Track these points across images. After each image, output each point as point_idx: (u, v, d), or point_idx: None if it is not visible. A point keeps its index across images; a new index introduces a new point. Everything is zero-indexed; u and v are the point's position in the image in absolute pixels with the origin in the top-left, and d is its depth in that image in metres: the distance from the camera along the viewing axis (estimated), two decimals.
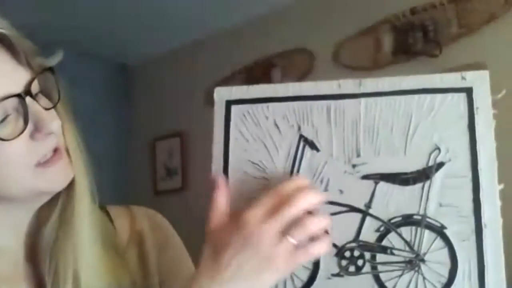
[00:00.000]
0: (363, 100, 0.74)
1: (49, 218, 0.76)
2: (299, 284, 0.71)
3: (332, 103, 0.75)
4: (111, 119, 3.66)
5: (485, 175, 0.68)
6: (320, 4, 2.82)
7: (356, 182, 0.72)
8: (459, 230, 0.67)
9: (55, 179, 0.72)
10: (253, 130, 0.77)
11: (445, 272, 0.67)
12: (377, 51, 2.56)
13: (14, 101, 0.66)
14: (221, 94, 0.79)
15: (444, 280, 0.67)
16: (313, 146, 0.74)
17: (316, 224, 0.65)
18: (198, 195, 2.40)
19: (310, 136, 0.75)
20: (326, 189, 0.72)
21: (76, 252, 0.74)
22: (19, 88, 0.67)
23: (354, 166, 0.72)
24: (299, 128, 0.75)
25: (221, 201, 0.71)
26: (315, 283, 0.70)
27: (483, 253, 0.66)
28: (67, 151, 0.74)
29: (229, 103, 0.79)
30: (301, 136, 0.75)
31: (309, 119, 0.75)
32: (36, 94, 0.70)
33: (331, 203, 0.72)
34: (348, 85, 0.75)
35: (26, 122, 0.67)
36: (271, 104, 0.77)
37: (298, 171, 0.74)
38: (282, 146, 0.75)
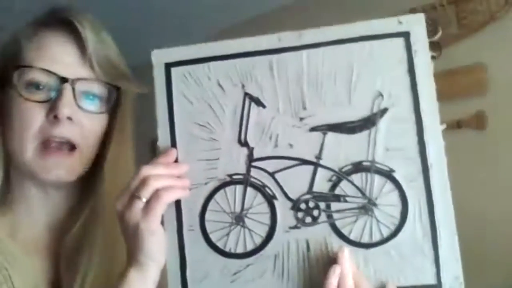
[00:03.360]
0: (304, 52, 0.73)
1: (76, 221, 0.83)
2: (258, 240, 0.72)
3: (274, 57, 0.74)
4: None
5: (427, 117, 0.70)
6: (319, 3, 2.81)
7: (304, 134, 0.72)
8: (407, 172, 0.70)
9: (51, 168, 0.78)
10: (196, 91, 0.75)
11: (397, 213, 0.69)
12: None
13: (55, 81, 0.77)
14: (159, 56, 0.76)
15: (396, 221, 0.69)
16: (259, 103, 0.74)
17: (159, 180, 0.68)
18: None
19: (255, 93, 0.74)
20: (276, 145, 0.72)
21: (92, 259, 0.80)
22: (69, 74, 0.78)
23: (301, 119, 0.72)
24: (243, 86, 0.74)
25: None
26: (274, 237, 0.71)
27: (431, 192, 0.69)
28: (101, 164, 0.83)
29: (168, 66, 0.76)
30: (246, 94, 0.74)
31: (252, 76, 0.74)
32: (87, 94, 0.80)
33: (282, 157, 0.72)
34: (288, 38, 0.74)
35: (51, 97, 0.77)
36: (212, 64, 0.75)
37: (246, 129, 0.73)
38: (228, 106, 0.74)
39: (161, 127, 0.74)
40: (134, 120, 0.89)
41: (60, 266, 0.82)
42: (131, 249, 0.69)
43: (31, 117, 0.77)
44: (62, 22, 0.81)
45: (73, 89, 0.78)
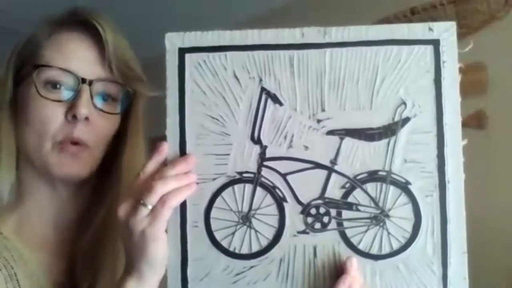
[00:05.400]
0: (328, 50, 0.70)
1: (88, 222, 0.83)
2: (265, 242, 0.69)
3: (295, 53, 0.71)
4: None
5: (449, 131, 0.68)
6: (319, 3, 2.73)
7: (321, 137, 0.69)
8: (423, 186, 0.68)
9: (64, 164, 0.77)
10: (211, 81, 0.71)
11: (409, 227, 0.68)
12: None
13: (73, 81, 0.78)
14: (173, 40, 0.72)
15: (408, 235, 0.68)
16: (276, 100, 0.71)
17: (165, 185, 0.65)
18: None
19: (272, 88, 0.71)
20: (290, 145, 0.70)
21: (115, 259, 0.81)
22: (86, 75, 0.78)
23: (319, 121, 0.69)
24: (261, 80, 0.71)
25: None
26: (281, 240, 0.69)
27: (446, 208, 0.67)
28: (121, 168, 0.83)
29: (182, 51, 0.72)
30: (263, 89, 0.71)
31: (271, 71, 0.71)
32: (103, 94, 0.80)
33: (296, 159, 0.69)
34: (312, 33, 0.71)
35: (69, 97, 0.78)
36: (229, 53, 0.71)
37: (260, 126, 0.70)
38: (243, 100, 0.71)
39: (171, 117, 0.71)
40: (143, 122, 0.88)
41: (66, 265, 0.82)
42: (132, 257, 0.66)
43: (51, 116, 0.77)
44: (82, 23, 0.80)
45: (91, 89, 0.78)
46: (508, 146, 1.92)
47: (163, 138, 0.71)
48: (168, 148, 0.70)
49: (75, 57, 0.79)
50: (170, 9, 2.87)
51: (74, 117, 0.77)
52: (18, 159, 0.80)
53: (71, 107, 0.77)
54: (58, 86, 0.78)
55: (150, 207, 0.65)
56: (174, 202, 0.65)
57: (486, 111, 1.94)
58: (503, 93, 1.94)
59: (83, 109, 0.77)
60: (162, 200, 0.65)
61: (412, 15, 2.19)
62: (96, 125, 0.79)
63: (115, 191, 0.83)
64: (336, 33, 0.70)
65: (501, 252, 1.82)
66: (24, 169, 0.81)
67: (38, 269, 0.78)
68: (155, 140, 0.72)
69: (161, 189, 0.65)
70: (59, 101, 0.77)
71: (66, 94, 0.78)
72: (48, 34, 0.80)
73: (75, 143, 0.78)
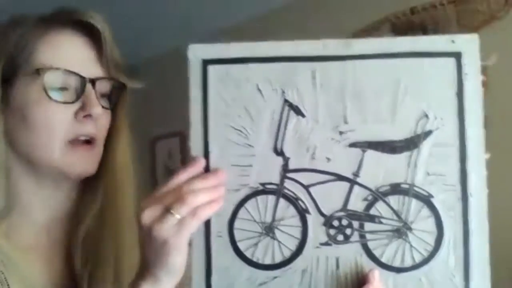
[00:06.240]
0: (350, 62, 0.71)
1: (79, 221, 0.84)
2: (287, 253, 0.70)
3: (317, 65, 0.71)
4: None
5: (472, 144, 0.68)
6: (319, 3, 2.72)
7: (343, 150, 0.70)
8: (446, 199, 0.68)
9: (78, 163, 0.79)
10: (234, 93, 0.72)
11: (431, 240, 0.68)
12: None
13: (77, 81, 0.78)
14: (197, 52, 0.73)
15: (430, 248, 0.68)
16: (298, 112, 0.71)
17: (197, 197, 0.65)
18: None
19: (295, 101, 0.71)
20: (313, 157, 0.70)
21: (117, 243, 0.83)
22: (86, 74, 0.79)
23: (341, 133, 0.70)
24: (283, 92, 0.71)
25: None
26: (304, 252, 0.70)
27: (468, 222, 0.67)
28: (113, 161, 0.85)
29: (205, 63, 0.73)
30: (285, 101, 0.71)
31: (293, 83, 0.71)
32: (104, 95, 0.82)
33: (319, 171, 0.70)
34: (334, 45, 0.71)
35: (77, 98, 0.78)
36: (252, 65, 0.72)
37: (283, 137, 0.71)
38: (266, 111, 0.71)
39: (195, 128, 0.72)
40: (135, 119, 0.90)
41: (63, 266, 0.83)
42: (149, 263, 0.66)
43: (59, 119, 0.78)
44: (76, 22, 0.81)
45: (95, 88, 0.80)
46: (508, 146, 1.91)
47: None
48: None
49: (75, 57, 0.80)
50: (170, 9, 2.86)
51: (86, 117, 0.78)
52: (8, 162, 0.79)
53: (82, 107, 0.78)
54: (62, 87, 0.78)
55: (178, 217, 0.64)
56: (204, 215, 0.65)
57: (486, 111, 1.92)
58: (503, 93, 1.93)
59: (97, 108, 0.78)
60: (193, 212, 0.65)
61: (412, 15, 2.18)
62: (101, 121, 0.81)
63: (109, 185, 0.84)
64: (358, 45, 0.71)
65: (502, 252, 1.81)
66: (17, 173, 0.80)
67: (31, 273, 0.78)
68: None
69: (193, 200, 0.65)
70: (68, 103, 0.78)
71: (72, 95, 0.78)
72: (41, 34, 0.79)
73: (87, 141, 0.79)
